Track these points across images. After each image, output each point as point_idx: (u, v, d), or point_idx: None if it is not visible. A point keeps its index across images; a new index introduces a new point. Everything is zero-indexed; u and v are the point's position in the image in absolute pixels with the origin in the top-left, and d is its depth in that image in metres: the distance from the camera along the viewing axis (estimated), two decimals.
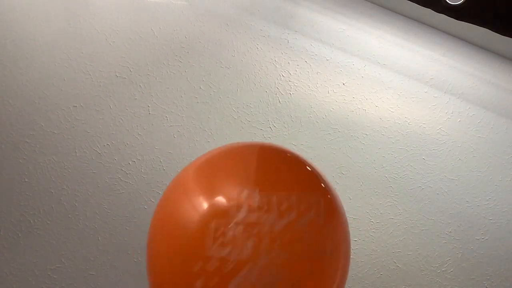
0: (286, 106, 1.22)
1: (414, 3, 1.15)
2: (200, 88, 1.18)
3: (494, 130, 1.32)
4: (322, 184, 0.55)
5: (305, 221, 0.47)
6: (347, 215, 1.23)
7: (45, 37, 1.11)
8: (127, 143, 1.11)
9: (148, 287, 0.52)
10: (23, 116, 1.06)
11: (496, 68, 1.36)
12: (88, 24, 1.14)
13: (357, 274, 1.19)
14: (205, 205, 0.48)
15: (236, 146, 0.60)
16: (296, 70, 1.24)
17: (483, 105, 1.33)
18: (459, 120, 1.31)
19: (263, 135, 1.20)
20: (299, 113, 1.23)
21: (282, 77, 1.23)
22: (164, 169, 1.12)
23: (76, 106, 1.10)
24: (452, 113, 1.31)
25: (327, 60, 1.27)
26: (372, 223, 1.22)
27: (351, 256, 1.21)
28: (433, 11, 1.13)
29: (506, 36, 1.10)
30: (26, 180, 1.04)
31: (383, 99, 1.28)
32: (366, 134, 1.25)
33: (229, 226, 0.44)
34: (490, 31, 1.10)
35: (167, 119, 1.15)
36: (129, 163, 1.10)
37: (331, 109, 1.25)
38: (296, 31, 1.27)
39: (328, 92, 1.25)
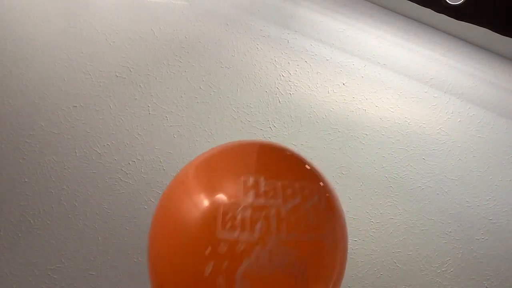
0: (286, 106, 1.22)
1: (414, 3, 1.15)
2: (200, 88, 1.18)
3: (494, 130, 1.32)
4: (321, 183, 0.56)
5: (309, 205, 0.48)
6: (347, 215, 1.23)
7: (45, 37, 1.11)
8: (127, 143, 1.11)
9: (150, 282, 0.53)
10: (23, 116, 1.06)
11: (496, 68, 1.36)
12: (88, 24, 1.14)
13: (357, 274, 1.19)
14: (212, 192, 0.49)
15: (238, 144, 0.62)
16: (296, 70, 1.25)
17: (483, 105, 1.33)
18: (459, 120, 1.31)
19: (263, 135, 1.20)
20: (299, 113, 1.23)
21: (282, 77, 1.23)
22: (164, 169, 1.12)
23: (76, 106, 1.10)
24: (452, 113, 1.31)
25: (327, 60, 1.27)
26: (372, 223, 1.22)
27: (351, 256, 1.21)
28: (433, 11, 1.13)
29: (506, 36, 1.11)
30: (26, 180, 1.04)
31: (383, 99, 1.28)
32: (366, 134, 1.25)
33: (237, 210, 0.45)
34: (490, 31, 1.10)
35: (167, 119, 1.15)
36: (129, 163, 1.10)
37: (331, 109, 1.25)
38: (296, 31, 1.27)
39: (328, 92, 1.25)
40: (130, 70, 1.15)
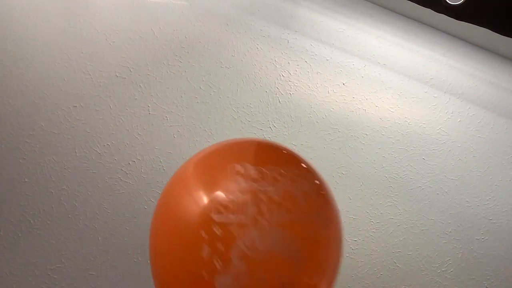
0: (286, 106, 1.22)
1: (414, 3, 1.15)
2: (200, 88, 1.18)
3: (494, 130, 1.32)
4: (308, 168, 0.59)
5: (298, 189, 0.51)
6: (347, 215, 1.23)
7: (45, 37, 1.11)
8: (127, 143, 1.11)
9: (151, 276, 0.54)
10: (23, 116, 1.06)
11: (496, 68, 1.36)
12: (88, 24, 1.14)
13: (357, 274, 1.19)
14: (205, 183, 0.52)
15: (234, 142, 0.64)
16: (296, 70, 1.25)
17: (483, 105, 1.33)
18: (459, 120, 1.31)
19: (263, 135, 1.20)
20: (299, 113, 1.23)
21: (282, 77, 1.23)
22: (164, 169, 1.12)
23: (76, 106, 1.10)
24: (452, 113, 1.31)
25: (327, 60, 1.27)
26: (372, 223, 1.22)
27: (351, 256, 1.21)
28: (433, 11, 1.13)
29: (506, 36, 1.10)
30: (26, 180, 1.04)
31: (383, 99, 1.28)
32: (366, 134, 1.25)
33: (228, 195, 0.48)
34: (490, 31, 1.10)
35: (167, 119, 1.15)
36: (129, 163, 1.10)
37: (331, 109, 1.25)
38: (296, 31, 1.27)
39: (328, 92, 1.25)
40: (130, 70, 1.15)
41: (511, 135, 1.32)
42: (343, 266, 1.18)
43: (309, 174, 0.56)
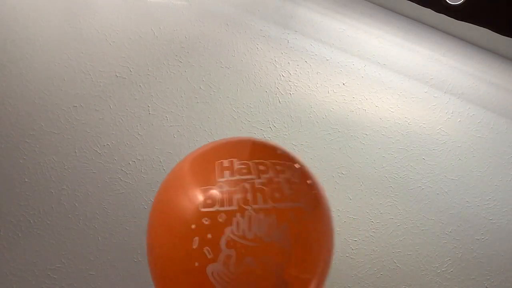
0: (286, 106, 1.22)
1: (414, 3, 1.15)
2: (200, 88, 1.18)
3: (494, 130, 1.32)
4: (292, 159, 0.61)
5: (282, 177, 0.53)
6: (347, 215, 1.23)
7: (45, 37, 1.11)
8: (127, 143, 1.11)
9: (150, 277, 0.56)
10: (23, 116, 1.07)
11: (496, 68, 1.36)
12: (88, 24, 1.14)
13: (357, 274, 1.19)
14: (194, 181, 0.55)
15: (231, 140, 0.66)
16: (296, 70, 1.25)
17: (483, 105, 1.33)
18: (459, 120, 1.31)
19: (263, 135, 1.20)
20: (299, 113, 1.23)
21: (282, 77, 1.23)
22: (164, 169, 1.12)
23: (76, 106, 1.10)
24: (452, 113, 1.31)
25: (327, 60, 1.27)
26: (372, 223, 1.22)
27: (351, 257, 1.21)
28: (433, 11, 1.13)
29: (506, 36, 1.10)
30: (26, 180, 1.04)
31: (383, 99, 1.28)
32: (366, 134, 1.25)
33: (214, 187, 0.51)
34: (490, 31, 1.10)
35: (167, 119, 1.15)
36: (129, 163, 1.10)
37: (331, 109, 1.25)
38: (296, 31, 1.27)
39: (328, 92, 1.26)
40: (130, 70, 1.15)
41: (511, 135, 1.32)
42: (343, 266, 1.19)
43: (293, 163, 0.59)
